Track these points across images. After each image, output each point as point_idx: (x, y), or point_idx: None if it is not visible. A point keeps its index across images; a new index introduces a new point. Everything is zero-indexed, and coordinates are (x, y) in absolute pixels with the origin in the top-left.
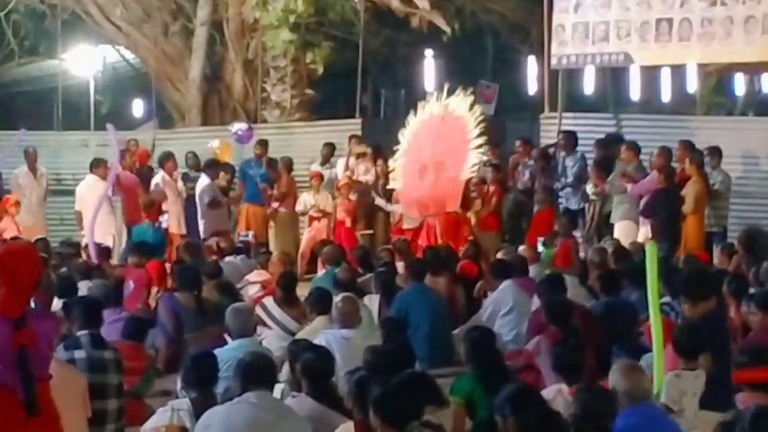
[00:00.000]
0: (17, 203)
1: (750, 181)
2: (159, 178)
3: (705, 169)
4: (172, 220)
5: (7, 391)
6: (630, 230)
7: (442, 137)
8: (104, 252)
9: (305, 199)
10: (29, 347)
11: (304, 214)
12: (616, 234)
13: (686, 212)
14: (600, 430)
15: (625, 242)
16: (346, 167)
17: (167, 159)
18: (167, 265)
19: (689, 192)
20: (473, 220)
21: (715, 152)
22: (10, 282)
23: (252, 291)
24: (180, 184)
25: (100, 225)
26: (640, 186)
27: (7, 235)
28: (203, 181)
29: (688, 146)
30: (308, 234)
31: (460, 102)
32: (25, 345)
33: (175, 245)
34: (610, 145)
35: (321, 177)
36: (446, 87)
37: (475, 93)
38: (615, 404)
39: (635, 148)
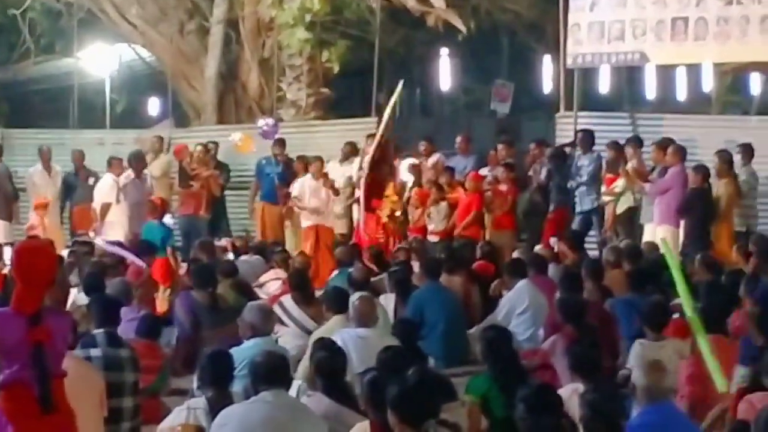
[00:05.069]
0: (46, 205)
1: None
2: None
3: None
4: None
5: (23, 387)
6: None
7: None
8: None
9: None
10: (45, 343)
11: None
12: (648, 236)
13: (719, 213)
14: (612, 429)
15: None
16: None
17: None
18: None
19: (722, 193)
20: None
21: (747, 150)
22: (25, 278)
23: (273, 287)
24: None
25: (113, 225)
26: (658, 185)
27: (32, 233)
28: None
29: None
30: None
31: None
32: (41, 341)
33: None
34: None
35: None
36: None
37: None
38: (624, 403)
39: (665, 147)
